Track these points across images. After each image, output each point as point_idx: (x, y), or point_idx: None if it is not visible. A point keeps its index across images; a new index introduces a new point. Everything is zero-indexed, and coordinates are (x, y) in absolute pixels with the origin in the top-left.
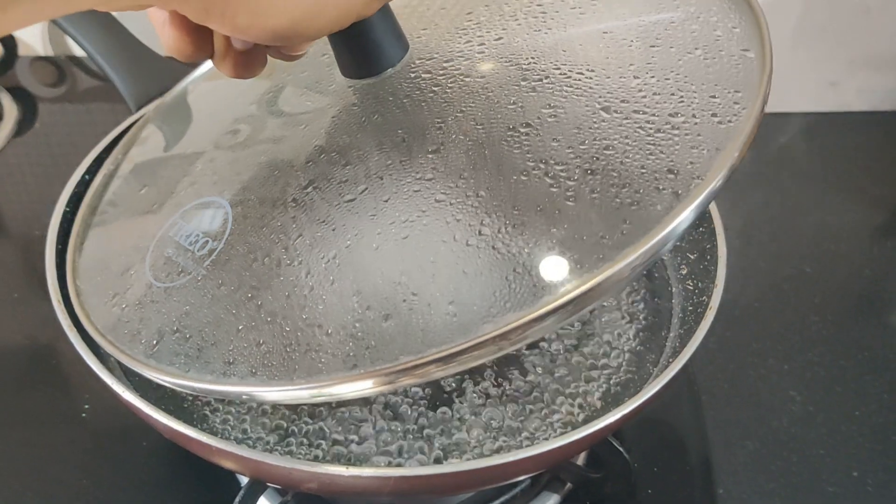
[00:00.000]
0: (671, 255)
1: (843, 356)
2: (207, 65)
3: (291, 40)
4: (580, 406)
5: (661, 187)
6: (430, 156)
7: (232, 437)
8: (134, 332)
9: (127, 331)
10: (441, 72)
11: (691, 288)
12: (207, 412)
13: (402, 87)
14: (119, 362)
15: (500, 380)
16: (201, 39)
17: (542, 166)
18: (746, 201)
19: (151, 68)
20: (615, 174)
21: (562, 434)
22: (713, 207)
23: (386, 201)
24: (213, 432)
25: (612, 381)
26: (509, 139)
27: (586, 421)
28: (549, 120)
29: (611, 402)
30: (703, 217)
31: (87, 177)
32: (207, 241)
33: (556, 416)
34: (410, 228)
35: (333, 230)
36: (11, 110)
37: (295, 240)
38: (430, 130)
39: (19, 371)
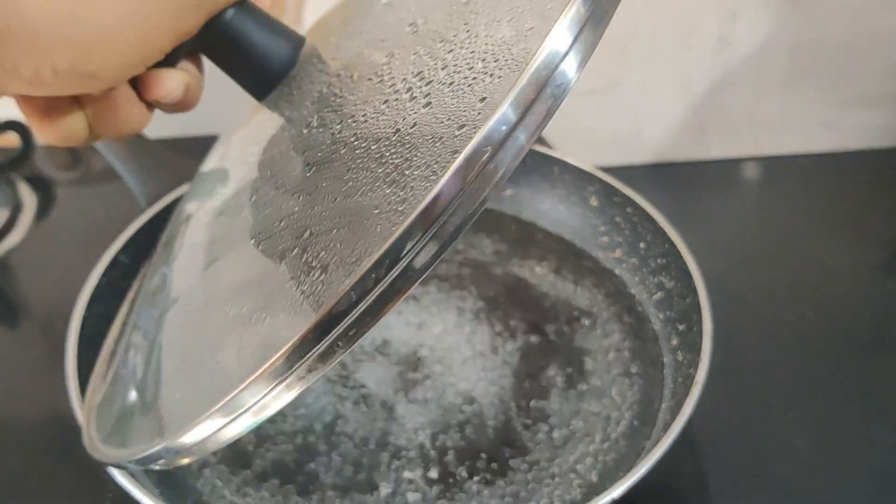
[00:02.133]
0: (662, 326)
1: (848, 401)
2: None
3: (87, 85)
4: (579, 485)
5: None
6: None
7: None
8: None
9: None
10: None
11: (681, 360)
12: None
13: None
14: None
15: (496, 462)
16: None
17: None
18: (742, 246)
19: (161, 166)
20: None
21: None
22: (697, 278)
23: None
24: None
25: (608, 457)
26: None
27: (585, 498)
28: None
29: (607, 476)
30: (689, 289)
31: (103, 279)
32: None
33: (555, 493)
34: None
35: None
36: (31, 200)
37: None
38: None
39: (38, 451)
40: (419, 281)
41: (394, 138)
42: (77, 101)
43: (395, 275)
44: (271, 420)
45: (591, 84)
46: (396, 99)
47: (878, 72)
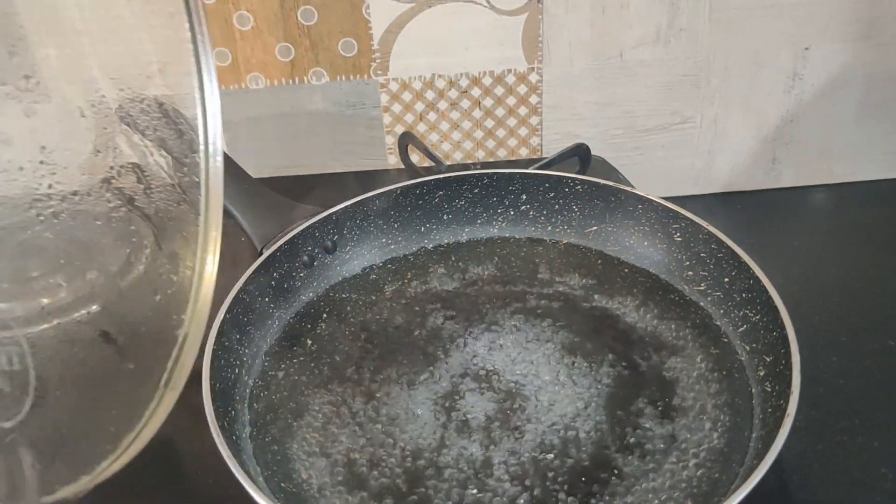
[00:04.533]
0: (748, 358)
1: None
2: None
3: None
4: None
5: None
6: None
7: None
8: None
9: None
10: None
11: (769, 390)
12: None
13: None
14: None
15: (594, 484)
16: None
17: None
18: (818, 273)
19: (272, 209)
20: None
21: None
22: (784, 314)
23: None
24: None
25: (702, 482)
26: None
27: None
28: None
29: (702, 501)
30: (775, 323)
31: (227, 315)
32: None
33: None
34: None
35: None
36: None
37: None
38: None
39: (162, 473)
40: None
41: None
42: None
43: None
44: (382, 443)
45: (664, 119)
46: None
47: None
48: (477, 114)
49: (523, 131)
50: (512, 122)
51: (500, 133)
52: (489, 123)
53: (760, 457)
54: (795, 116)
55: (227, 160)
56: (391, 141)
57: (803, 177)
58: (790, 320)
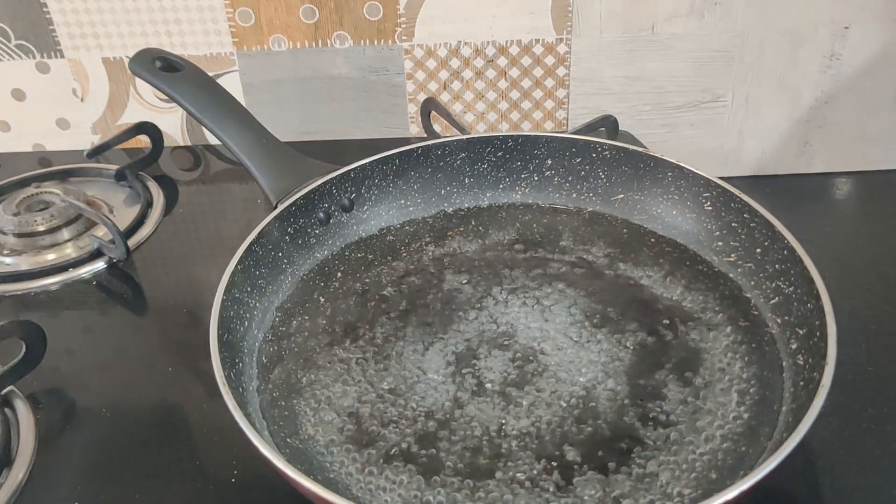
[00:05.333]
0: (779, 330)
1: None
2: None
3: None
4: (696, 481)
5: None
6: None
7: None
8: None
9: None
10: None
11: (801, 363)
12: (350, 482)
13: None
14: (272, 437)
15: (613, 455)
16: None
17: None
18: (855, 259)
19: (289, 165)
20: None
21: None
22: (820, 284)
23: None
24: (356, 500)
25: (728, 455)
26: None
27: (704, 496)
28: None
29: (726, 475)
30: (810, 294)
31: (238, 266)
32: None
33: (674, 488)
34: None
35: None
36: (159, 197)
37: None
38: None
39: (174, 434)
40: None
41: None
42: None
43: None
44: (394, 403)
45: (694, 97)
46: None
47: None
48: (502, 84)
49: (549, 104)
50: (538, 94)
51: (526, 105)
52: (514, 95)
53: (791, 429)
54: (831, 98)
55: (244, 113)
56: (413, 110)
57: (836, 162)
58: (826, 291)
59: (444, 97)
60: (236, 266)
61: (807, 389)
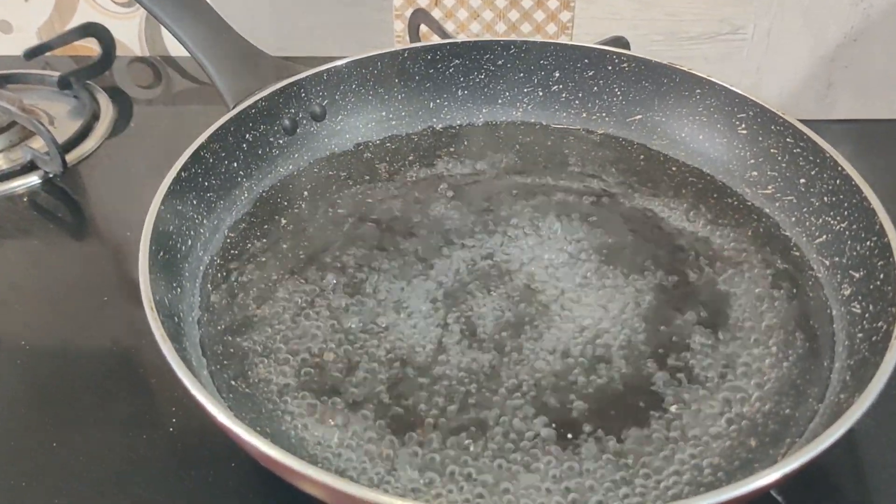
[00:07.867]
0: (827, 274)
1: None
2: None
3: None
4: (730, 448)
5: None
6: None
7: (333, 467)
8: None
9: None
10: None
11: (859, 311)
12: (306, 436)
13: None
14: (212, 379)
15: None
16: None
17: None
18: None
19: (252, 62)
20: None
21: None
22: (884, 217)
23: None
24: (311, 458)
25: (768, 420)
26: None
27: (743, 468)
28: None
29: (768, 443)
30: (871, 231)
31: (182, 173)
32: None
33: (705, 461)
34: None
35: None
36: (108, 110)
37: None
38: None
39: (104, 374)
40: None
41: None
42: None
43: None
44: (364, 345)
45: (711, 27)
46: None
47: None
48: (500, 3)
49: (551, 28)
50: (539, 15)
51: (525, 28)
52: (513, 15)
53: (857, 389)
54: (860, 35)
55: (204, 5)
56: (400, 27)
57: (859, 108)
58: (893, 226)
59: (436, 14)
60: (179, 172)
61: (869, 342)
